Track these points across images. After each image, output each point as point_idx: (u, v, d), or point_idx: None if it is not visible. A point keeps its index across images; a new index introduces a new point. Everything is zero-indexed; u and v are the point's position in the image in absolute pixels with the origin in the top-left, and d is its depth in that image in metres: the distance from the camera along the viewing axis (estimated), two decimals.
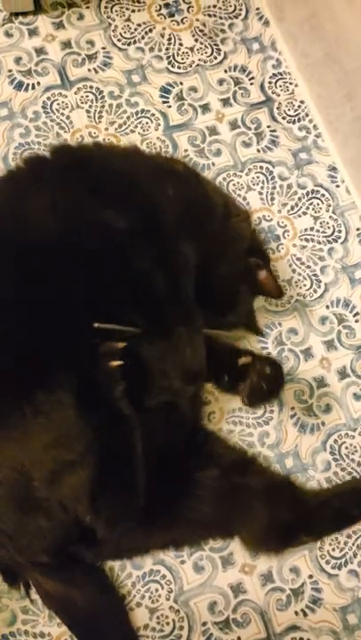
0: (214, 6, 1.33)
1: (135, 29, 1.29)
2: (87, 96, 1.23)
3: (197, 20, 1.32)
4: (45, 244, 0.88)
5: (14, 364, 0.83)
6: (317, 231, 1.22)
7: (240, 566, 1.01)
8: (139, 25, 1.30)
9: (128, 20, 1.30)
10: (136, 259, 0.91)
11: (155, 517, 0.91)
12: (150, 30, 1.30)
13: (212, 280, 1.01)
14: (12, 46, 1.24)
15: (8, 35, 1.25)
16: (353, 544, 1.04)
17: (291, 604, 1.01)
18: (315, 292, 1.19)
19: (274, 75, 1.31)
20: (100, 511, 0.82)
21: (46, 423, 0.80)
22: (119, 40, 1.28)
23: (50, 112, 1.21)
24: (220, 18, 1.33)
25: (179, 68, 1.28)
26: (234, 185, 1.22)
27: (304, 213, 1.23)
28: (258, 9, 1.35)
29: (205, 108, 1.26)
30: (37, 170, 0.99)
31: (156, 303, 0.91)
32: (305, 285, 1.19)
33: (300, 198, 1.24)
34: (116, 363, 0.84)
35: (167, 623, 0.98)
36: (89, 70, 1.25)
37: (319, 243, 1.22)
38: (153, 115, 1.24)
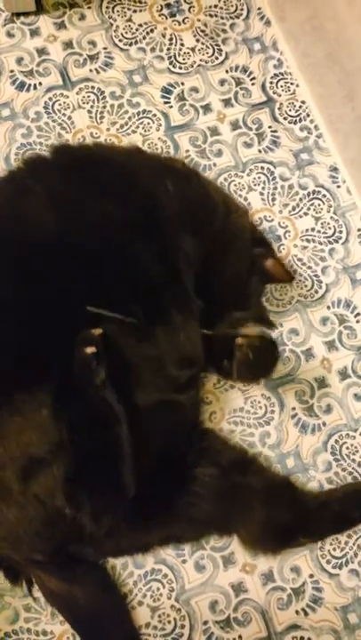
0: (216, 6, 1.33)
1: (136, 30, 1.29)
2: (89, 96, 1.23)
3: (199, 20, 1.32)
4: (45, 243, 0.89)
5: (13, 364, 0.85)
6: (318, 232, 1.22)
7: (241, 565, 1.02)
8: (140, 25, 1.30)
9: (129, 20, 1.30)
10: (135, 254, 0.92)
11: (153, 513, 0.92)
12: (152, 30, 1.30)
13: (224, 277, 1.02)
14: (14, 47, 1.25)
15: (10, 35, 1.25)
16: (354, 544, 1.05)
17: (292, 604, 1.01)
18: (316, 292, 1.19)
19: (275, 75, 1.31)
20: (82, 506, 0.83)
21: (21, 422, 0.82)
22: (120, 40, 1.28)
23: (51, 112, 1.21)
24: (222, 18, 1.33)
25: (180, 68, 1.28)
26: (235, 185, 1.23)
27: (305, 214, 1.23)
28: (259, 9, 1.35)
29: (207, 108, 1.26)
30: (37, 170, 0.99)
31: (152, 288, 0.92)
32: (306, 286, 1.19)
33: (301, 199, 1.24)
34: (90, 349, 0.84)
35: (168, 622, 0.99)
36: (90, 71, 1.25)
37: (320, 243, 1.22)
38: (154, 115, 1.24)
